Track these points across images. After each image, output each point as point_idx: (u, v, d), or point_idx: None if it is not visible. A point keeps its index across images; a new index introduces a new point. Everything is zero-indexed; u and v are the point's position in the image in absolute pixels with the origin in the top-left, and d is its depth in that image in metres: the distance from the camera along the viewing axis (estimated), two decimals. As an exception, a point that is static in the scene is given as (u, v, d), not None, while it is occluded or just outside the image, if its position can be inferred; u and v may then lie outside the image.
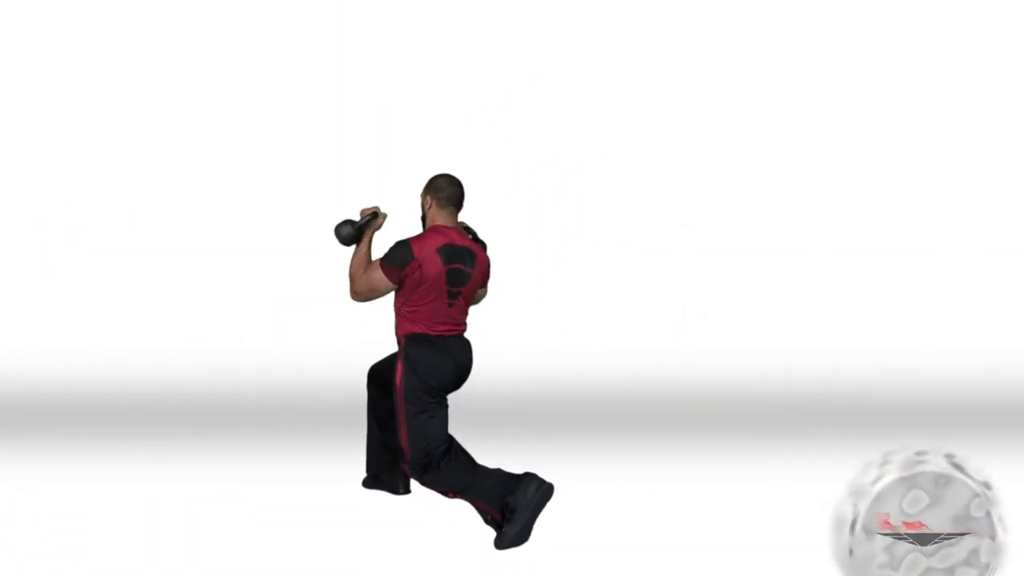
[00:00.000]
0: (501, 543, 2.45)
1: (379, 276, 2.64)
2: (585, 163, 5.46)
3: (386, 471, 2.96)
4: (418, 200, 2.83)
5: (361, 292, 2.69)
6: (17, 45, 5.50)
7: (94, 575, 2.27)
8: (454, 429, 2.75)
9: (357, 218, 2.79)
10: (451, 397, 2.76)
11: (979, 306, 5.47)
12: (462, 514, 2.69)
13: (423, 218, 2.81)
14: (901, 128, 5.58)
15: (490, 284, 2.94)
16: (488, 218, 3.29)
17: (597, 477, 3.31)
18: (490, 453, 2.79)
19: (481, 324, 2.88)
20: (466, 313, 2.78)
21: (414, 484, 2.95)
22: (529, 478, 2.52)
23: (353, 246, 2.75)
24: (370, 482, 3.04)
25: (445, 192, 2.75)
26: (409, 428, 2.61)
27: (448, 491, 2.61)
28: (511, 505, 2.48)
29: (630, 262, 5.40)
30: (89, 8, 5.49)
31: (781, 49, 5.57)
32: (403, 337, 2.68)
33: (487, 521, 2.57)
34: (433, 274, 2.60)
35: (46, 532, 2.61)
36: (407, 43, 5.59)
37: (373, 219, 2.76)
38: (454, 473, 2.60)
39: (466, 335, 2.79)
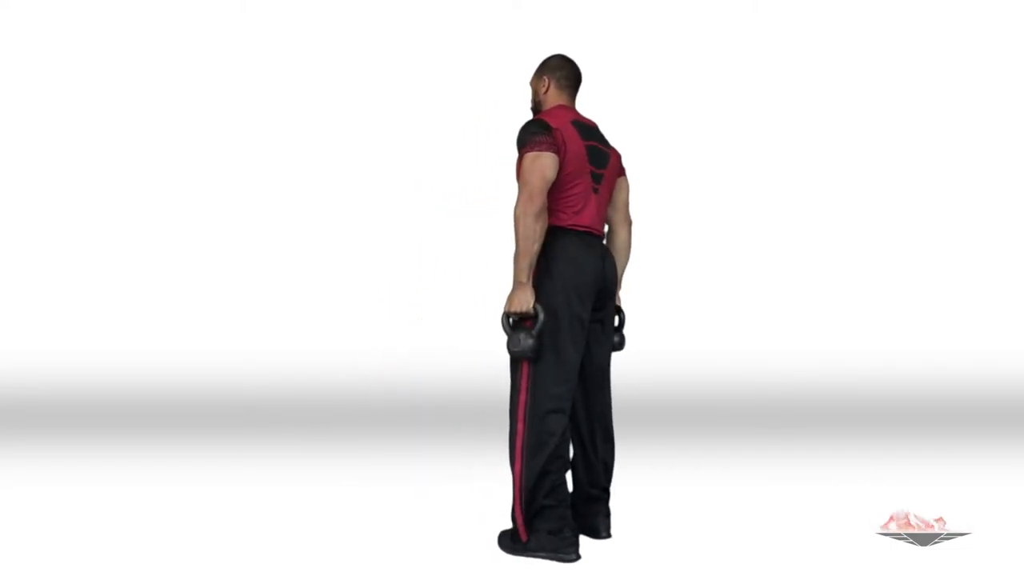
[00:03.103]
0: (510, 546, 2.41)
1: (540, 156, 2.17)
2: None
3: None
4: (417, 209, 2.65)
5: (540, 187, 2.15)
6: (18, 46, 5.49)
7: (93, 575, 2.26)
8: (454, 429, 2.74)
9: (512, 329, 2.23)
10: (458, 399, 2.68)
11: (979, 308, 5.47)
12: (463, 514, 2.68)
13: (535, 108, 2.47)
14: (902, 130, 5.58)
15: (494, 285, 2.82)
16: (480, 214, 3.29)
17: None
18: (493, 454, 2.79)
19: (482, 322, 2.87)
20: (605, 210, 2.43)
21: (416, 488, 2.94)
22: (572, 539, 2.27)
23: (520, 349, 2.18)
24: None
25: (564, 71, 2.43)
26: (538, 363, 2.19)
27: (520, 474, 2.23)
28: (545, 545, 2.28)
29: (637, 262, 5.41)
30: (90, 10, 5.48)
31: (783, 52, 5.57)
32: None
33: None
34: (576, 150, 2.25)
35: (44, 532, 2.61)
36: (407, 43, 5.58)
37: (536, 315, 2.20)
38: (548, 463, 2.21)
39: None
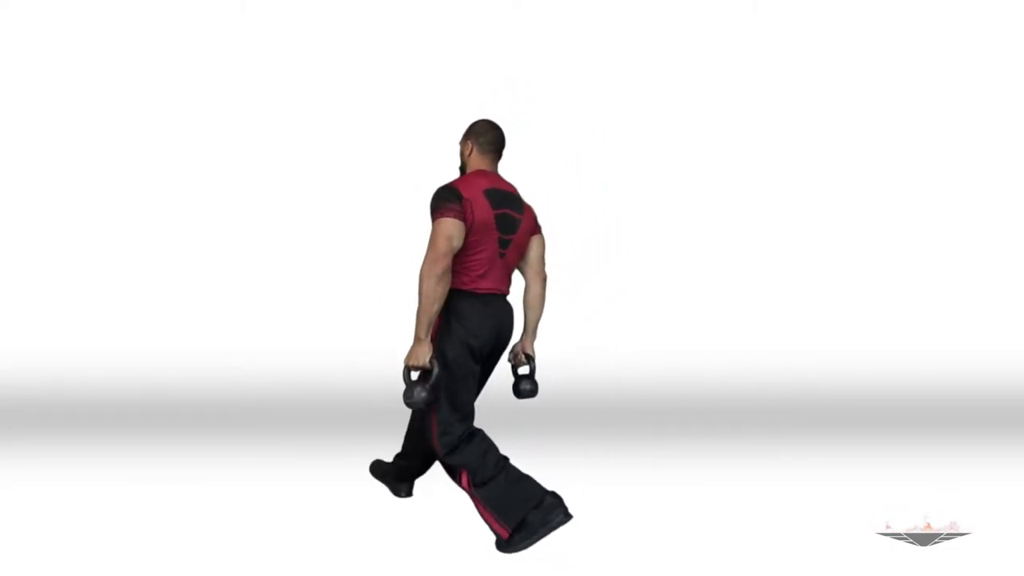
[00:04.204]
0: (505, 547, 2.43)
1: (447, 223, 2.32)
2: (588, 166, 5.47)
3: (394, 473, 2.93)
4: (417, 209, 2.72)
5: (444, 251, 2.31)
6: (18, 46, 5.49)
7: (93, 575, 2.26)
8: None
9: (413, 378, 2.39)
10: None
11: (979, 308, 5.47)
12: (463, 514, 2.68)
13: (461, 168, 2.62)
14: (902, 130, 5.58)
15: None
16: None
17: (597, 477, 3.31)
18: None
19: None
20: (512, 271, 2.59)
21: (418, 488, 2.95)
22: (556, 505, 2.38)
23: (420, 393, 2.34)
24: (376, 471, 3.01)
25: (487, 136, 2.56)
26: (442, 398, 2.41)
27: (467, 482, 2.43)
28: (529, 521, 2.35)
29: (640, 262, 5.42)
30: (90, 10, 5.48)
31: (783, 52, 5.57)
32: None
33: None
34: (484, 218, 2.39)
35: (45, 532, 2.61)
36: (408, 44, 5.58)
37: (431, 370, 2.36)
38: (482, 459, 2.42)
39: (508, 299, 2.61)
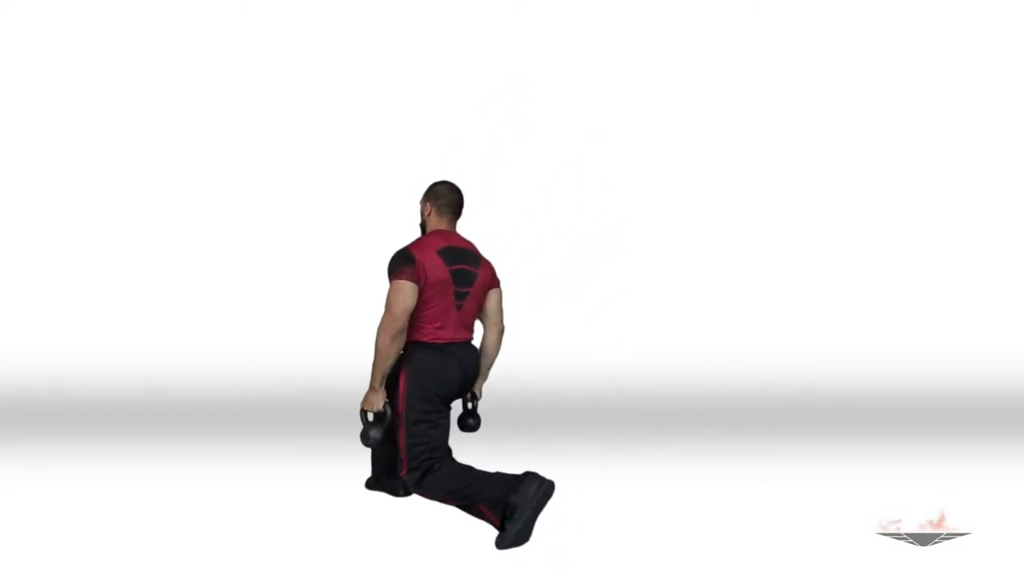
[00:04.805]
0: (502, 542, 2.45)
1: (401, 285, 2.52)
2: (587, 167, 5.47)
3: (386, 474, 2.95)
4: (417, 210, 2.82)
5: (399, 313, 2.51)
6: (18, 46, 5.49)
7: (93, 575, 2.26)
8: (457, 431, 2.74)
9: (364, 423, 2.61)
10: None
11: (979, 308, 5.46)
12: (462, 514, 2.68)
13: (422, 225, 2.79)
14: (902, 131, 5.58)
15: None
16: (489, 221, 3.29)
17: (597, 477, 3.31)
18: (493, 453, 2.79)
19: (479, 324, 2.87)
20: (475, 318, 2.75)
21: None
22: (530, 477, 2.52)
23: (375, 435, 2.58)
24: (372, 483, 3.04)
25: (445, 199, 2.73)
26: (408, 436, 2.57)
27: (446, 498, 2.57)
28: (512, 503, 2.48)
29: (640, 262, 5.42)
30: (90, 11, 5.48)
31: (783, 52, 5.57)
32: (408, 344, 2.62)
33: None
34: (438, 277, 2.56)
35: (45, 532, 2.61)
36: (407, 44, 5.58)
37: (384, 414, 2.59)
38: (452, 479, 2.55)
39: (473, 342, 2.75)
